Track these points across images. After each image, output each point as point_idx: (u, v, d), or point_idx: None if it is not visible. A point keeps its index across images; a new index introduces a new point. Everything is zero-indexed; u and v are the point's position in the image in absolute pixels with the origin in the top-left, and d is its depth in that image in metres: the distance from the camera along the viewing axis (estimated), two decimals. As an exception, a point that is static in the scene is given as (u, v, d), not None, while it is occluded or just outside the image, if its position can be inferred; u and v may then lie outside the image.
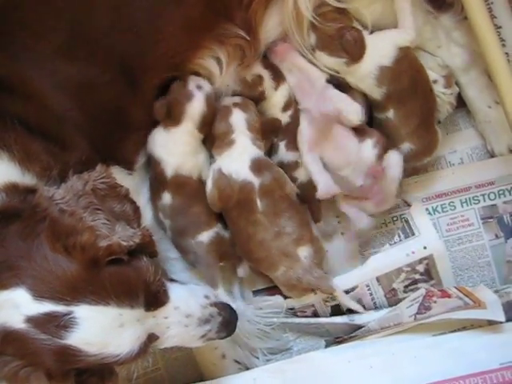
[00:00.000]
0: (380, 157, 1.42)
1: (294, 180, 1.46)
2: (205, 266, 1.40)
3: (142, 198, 1.40)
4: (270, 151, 1.50)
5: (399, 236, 1.51)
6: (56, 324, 0.97)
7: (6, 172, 1.09)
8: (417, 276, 1.49)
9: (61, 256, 0.99)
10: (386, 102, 1.43)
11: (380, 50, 1.41)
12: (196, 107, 1.39)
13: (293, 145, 1.47)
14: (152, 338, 1.09)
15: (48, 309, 0.97)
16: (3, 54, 1.18)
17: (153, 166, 1.41)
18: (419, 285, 1.49)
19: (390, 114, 1.44)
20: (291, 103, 1.48)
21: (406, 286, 1.49)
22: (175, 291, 1.13)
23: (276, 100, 1.48)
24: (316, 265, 1.38)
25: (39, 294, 0.97)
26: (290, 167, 1.47)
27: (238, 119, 1.42)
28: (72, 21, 1.23)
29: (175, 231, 1.40)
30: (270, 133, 1.47)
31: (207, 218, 1.40)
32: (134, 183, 1.36)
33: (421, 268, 1.49)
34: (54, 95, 1.21)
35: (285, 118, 1.49)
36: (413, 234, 1.51)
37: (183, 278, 1.42)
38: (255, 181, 1.38)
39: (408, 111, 1.43)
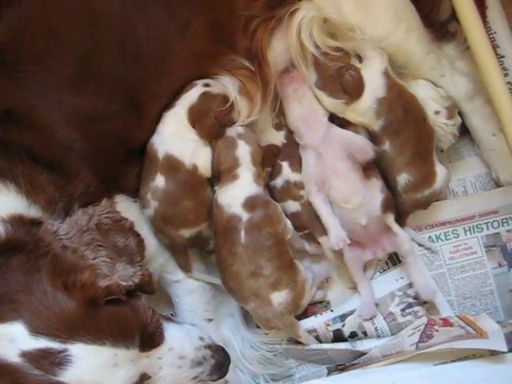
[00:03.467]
0: (385, 206, 1.45)
1: (299, 198, 1.48)
2: (178, 253, 1.42)
3: (147, 226, 1.40)
4: (272, 173, 1.51)
5: (387, 264, 1.54)
6: (50, 361, 0.98)
7: (13, 204, 1.11)
8: (410, 300, 1.52)
9: (60, 293, 1.00)
10: (381, 134, 1.45)
11: (373, 82, 1.44)
12: (188, 97, 1.40)
13: (296, 166, 1.50)
14: (144, 377, 1.09)
15: (43, 345, 0.98)
16: (11, 83, 1.21)
17: (147, 151, 1.40)
18: (415, 308, 1.51)
19: (386, 146, 1.45)
20: (282, 123, 1.50)
21: (402, 310, 1.51)
22: (170, 332, 1.14)
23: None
24: (290, 312, 1.39)
25: (36, 330, 0.98)
26: (297, 186, 1.49)
27: (244, 153, 1.43)
28: (80, 53, 1.26)
29: (160, 215, 1.38)
30: (270, 160, 1.48)
31: (195, 217, 1.41)
32: (138, 211, 1.38)
33: (412, 292, 1.52)
34: (61, 126, 1.23)
35: (280, 138, 1.51)
36: (399, 262, 1.53)
37: (187, 301, 1.46)
38: (244, 215, 1.40)
39: (402, 141, 1.45)
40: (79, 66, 1.26)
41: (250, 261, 1.37)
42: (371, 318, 1.50)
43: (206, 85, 1.41)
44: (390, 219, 1.46)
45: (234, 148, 1.42)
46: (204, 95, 1.40)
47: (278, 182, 1.50)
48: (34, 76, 1.22)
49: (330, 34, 1.43)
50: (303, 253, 1.52)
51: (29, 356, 0.98)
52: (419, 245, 1.54)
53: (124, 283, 1.06)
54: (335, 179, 1.43)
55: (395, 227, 1.46)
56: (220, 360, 1.21)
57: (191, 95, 1.40)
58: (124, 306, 1.05)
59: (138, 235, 1.19)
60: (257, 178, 1.43)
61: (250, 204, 1.40)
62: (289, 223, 1.45)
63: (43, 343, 0.98)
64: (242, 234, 1.38)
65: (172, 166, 1.39)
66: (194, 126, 1.41)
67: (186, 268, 1.43)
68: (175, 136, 1.40)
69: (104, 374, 1.01)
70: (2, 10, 1.20)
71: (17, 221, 1.09)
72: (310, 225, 1.48)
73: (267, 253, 1.38)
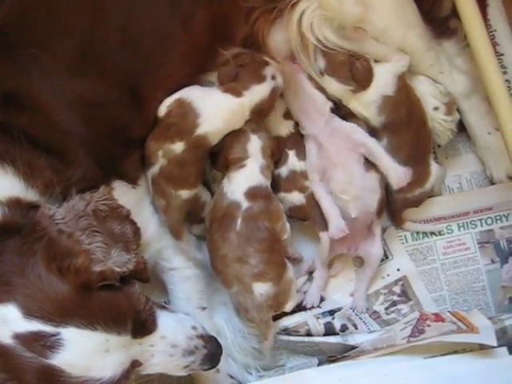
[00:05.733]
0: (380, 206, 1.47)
1: (305, 189, 1.49)
2: (171, 217, 1.41)
3: (145, 211, 1.41)
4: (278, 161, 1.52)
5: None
6: (42, 343, 0.98)
7: (10, 186, 1.11)
8: (395, 297, 1.53)
9: (54, 277, 1.00)
10: (381, 131, 1.46)
11: (383, 79, 1.45)
12: (260, 92, 1.41)
13: (303, 154, 1.51)
14: (135, 364, 1.09)
15: (36, 328, 0.98)
16: (13, 67, 1.21)
17: (182, 112, 1.40)
18: (399, 306, 1.53)
19: (384, 143, 1.47)
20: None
21: (386, 308, 1.53)
22: (163, 320, 1.14)
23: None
24: (270, 306, 1.40)
25: (29, 313, 0.98)
26: (303, 176, 1.50)
27: (255, 146, 1.44)
28: (82, 39, 1.26)
29: (165, 174, 1.39)
30: (278, 154, 1.49)
31: (195, 180, 1.43)
32: (136, 197, 1.38)
33: (397, 289, 1.54)
34: (61, 110, 1.23)
35: (289, 127, 1.52)
36: (386, 258, 1.54)
37: (181, 289, 1.46)
38: (244, 203, 1.41)
39: (400, 142, 1.46)
40: (81, 52, 1.26)
41: (238, 247, 1.39)
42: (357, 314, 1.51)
43: (273, 76, 1.43)
44: (377, 224, 1.49)
45: (246, 141, 1.44)
46: (273, 91, 1.43)
47: (284, 170, 1.51)
48: (36, 60, 1.22)
49: (338, 34, 1.44)
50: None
51: (21, 338, 0.98)
52: (417, 238, 1.56)
53: (118, 269, 1.06)
54: (334, 170, 1.45)
55: (377, 234, 1.49)
56: (212, 350, 1.21)
57: (260, 92, 1.42)
58: (117, 292, 1.05)
59: (134, 223, 1.19)
60: (264, 169, 1.44)
61: (253, 194, 1.41)
62: (288, 225, 1.46)
63: (36, 326, 0.98)
64: (239, 221, 1.40)
65: (199, 144, 1.40)
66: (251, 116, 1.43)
67: (177, 234, 1.42)
68: (227, 121, 1.41)
69: (95, 358, 1.01)
70: None
71: (14, 204, 1.09)
72: (311, 218, 1.50)
73: (258, 245, 1.39)
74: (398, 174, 1.43)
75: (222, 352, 1.24)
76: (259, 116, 1.44)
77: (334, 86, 1.46)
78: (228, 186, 1.43)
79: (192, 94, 1.41)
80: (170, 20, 1.34)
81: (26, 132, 1.16)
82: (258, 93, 1.42)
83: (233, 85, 1.41)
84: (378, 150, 1.45)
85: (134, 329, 1.06)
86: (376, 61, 1.47)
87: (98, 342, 1.00)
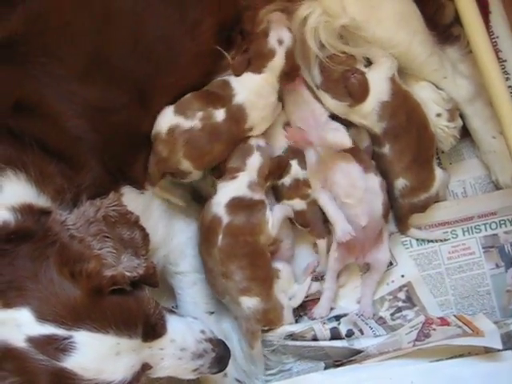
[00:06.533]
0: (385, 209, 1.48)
1: (306, 197, 1.50)
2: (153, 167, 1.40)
3: (153, 216, 1.41)
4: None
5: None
6: (55, 346, 0.99)
7: (23, 192, 1.13)
8: (400, 303, 1.54)
9: (66, 281, 1.02)
10: (383, 137, 1.48)
11: (378, 86, 1.46)
12: (276, 63, 1.43)
13: (305, 163, 1.52)
14: (145, 367, 1.10)
15: (49, 331, 0.99)
16: (24, 74, 1.23)
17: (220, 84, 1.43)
18: (404, 312, 1.53)
19: (386, 149, 1.48)
20: None
21: (392, 314, 1.54)
22: (173, 324, 1.15)
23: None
24: (258, 320, 1.41)
25: (42, 316, 0.99)
26: (305, 184, 1.51)
27: (254, 163, 1.45)
28: (92, 47, 1.28)
29: (189, 134, 1.39)
30: (276, 175, 1.50)
31: (207, 163, 1.44)
32: (145, 202, 1.39)
33: (402, 295, 1.55)
34: (71, 117, 1.25)
35: None
36: (391, 264, 1.55)
37: (189, 294, 1.48)
38: (225, 218, 1.42)
39: (403, 147, 1.47)
40: (90, 60, 1.28)
41: (222, 263, 1.40)
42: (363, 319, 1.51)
43: (280, 41, 1.43)
44: (385, 229, 1.50)
45: (247, 155, 1.45)
46: (288, 52, 1.44)
47: (287, 180, 1.52)
48: (47, 67, 1.23)
49: (339, 36, 1.46)
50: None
51: (34, 341, 0.99)
52: (422, 243, 1.57)
53: (129, 274, 1.07)
54: (335, 174, 1.46)
55: (385, 239, 1.50)
56: (220, 354, 1.22)
57: (277, 62, 1.43)
58: (128, 296, 1.07)
59: (143, 229, 1.21)
60: (253, 185, 1.45)
61: (234, 205, 1.42)
62: (270, 237, 1.45)
63: (49, 329, 0.99)
64: (220, 237, 1.41)
65: (238, 117, 1.42)
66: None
67: (152, 180, 1.40)
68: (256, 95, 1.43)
69: (106, 361, 1.02)
70: (18, 3, 1.23)
71: (26, 210, 1.10)
72: (311, 224, 1.52)
73: (239, 261, 1.40)
74: (344, 229, 1.43)
75: (230, 355, 1.25)
76: (291, 74, 1.45)
77: (330, 101, 1.48)
78: (215, 197, 1.45)
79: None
80: (179, 27, 1.36)
81: (37, 138, 1.17)
82: (275, 66, 1.43)
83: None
84: (328, 203, 1.46)
85: (144, 332, 1.07)
86: (368, 64, 1.48)
87: (110, 346, 1.02)
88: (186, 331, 1.18)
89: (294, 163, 1.52)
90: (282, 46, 1.43)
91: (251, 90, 1.43)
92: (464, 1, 1.35)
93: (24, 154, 1.15)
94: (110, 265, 1.06)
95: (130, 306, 1.06)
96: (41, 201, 1.14)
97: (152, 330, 1.11)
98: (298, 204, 1.51)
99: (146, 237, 1.20)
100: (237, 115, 1.42)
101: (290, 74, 1.46)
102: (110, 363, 1.02)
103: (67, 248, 1.05)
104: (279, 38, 1.43)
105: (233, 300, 1.42)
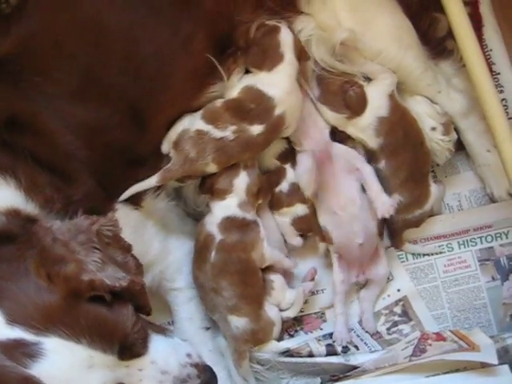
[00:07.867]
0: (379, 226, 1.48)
1: (306, 200, 1.49)
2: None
3: (149, 232, 1.41)
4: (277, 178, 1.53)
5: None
6: (23, 351, 0.94)
7: (11, 198, 1.12)
8: (396, 318, 1.54)
9: (43, 283, 0.98)
10: (379, 153, 1.48)
11: (376, 101, 1.46)
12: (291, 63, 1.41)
13: None
14: None
15: (18, 335, 0.95)
16: (17, 93, 1.24)
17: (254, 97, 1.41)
18: (400, 326, 1.53)
19: (382, 164, 1.48)
20: None
21: (388, 329, 1.53)
22: (156, 344, 1.09)
23: None
24: (246, 341, 1.40)
25: (12, 319, 0.95)
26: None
27: (241, 183, 1.44)
28: (85, 67, 1.29)
29: (221, 144, 1.38)
30: (265, 193, 1.49)
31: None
32: (139, 218, 1.39)
33: (398, 310, 1.54)
34: (64, 134, 1.25)
35: (283, 144, 1.52)
36: (387, 278, 1.55)
37: (185, 309, 1.47)
38: (218, 236, 1.42)
39: (399, 163, 1.48)
40: (83, 79, 1.28)
41: (213, 278, 1.40)
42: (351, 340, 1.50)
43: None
44: (381, 245, 1.50)
45: (234, 175, 1.43)
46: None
47: (285, 185, 1.51)
48: (40, 87, 1.24)
49: (335, 55, 1.46)
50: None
51: (2, 345, 0.95)
52: (417, 257, 1.57)
53: (109, 282, 1.02)
54: (339, 184, 1.46)
55: (382, 254, 1.50)
56: (205, 380, 1.14)
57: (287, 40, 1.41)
58: (107, 308, 1.01)
59: (136, 259, 1.16)
60: (243, 205, 1.44)
61: (227, 224, 1.42)
62: (268, 253, 1.44)
63: (18, 333, 0.95)
64: (213, 253, 1.41)
65: (277, 125, 1.41)
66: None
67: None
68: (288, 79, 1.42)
69: (77, 373, 0.97)
70: (12, 24, 1.24)
71: (12, 214, 1.09)
72: (314, 227, 1.51)
73: (230, 277, 1.40)
74: (384, 204, 1.44)
75: (217, 383, 1.18)
76: (301, 56, 1.43)
77: (328, 114, 1.48)
78: (208, 216, 1.45)
79: (249, 80, 1.43)
80: (171, 43, 1.36)
81: (30, 152, 1.18)
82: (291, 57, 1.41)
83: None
84: (370, 178, 1.46)
85: (121, 350, 1.02)
86: (366, 79, 1.48)
87: (81, 357, 0.97)
88: (170, 353, 1.11)
89: (288, 167, 1.51)
90: (287, 36, 1.42)
91: (283, 89, 1.40)
92: (456, 14, 1.36)
93: (16, 162, 1.15)
94: (90, 270, 1.01)
95: (107, 318, 1.01)
96: (29, 208, 1.13)
97: (129, 349, 1.04)
98: (301, 209, 1.51)
99: (139, 266, 1.16)
100: (276, 124, 1.41)
101: (300, 57, 1.43)
102: (80, 376, 0.97)
103: (47, 250, 1.02)
104: (282, 31, 1.42)
105: (222, 318, 1.42)
